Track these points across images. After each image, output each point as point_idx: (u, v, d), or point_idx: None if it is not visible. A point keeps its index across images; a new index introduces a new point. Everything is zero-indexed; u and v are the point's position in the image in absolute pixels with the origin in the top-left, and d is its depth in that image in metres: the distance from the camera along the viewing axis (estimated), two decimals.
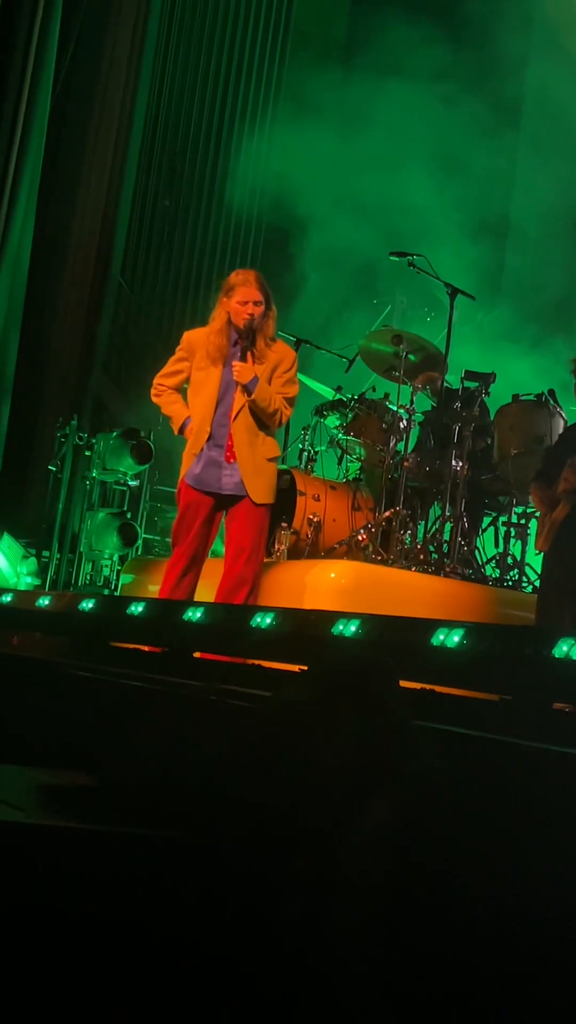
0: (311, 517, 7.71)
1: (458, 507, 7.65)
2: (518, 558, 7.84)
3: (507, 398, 7.94)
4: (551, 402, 7.68)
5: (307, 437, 8.33)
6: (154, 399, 6.39)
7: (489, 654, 3.55)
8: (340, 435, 8.15)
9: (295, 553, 7.64)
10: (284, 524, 7.62)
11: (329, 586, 6.65)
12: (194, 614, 4.67)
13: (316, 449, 8.37)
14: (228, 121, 14.15)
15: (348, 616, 3.99)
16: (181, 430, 6.22)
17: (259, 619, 4.29)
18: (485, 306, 11.12)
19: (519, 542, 7.89)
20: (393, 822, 2.99)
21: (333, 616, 4.09)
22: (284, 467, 8.30)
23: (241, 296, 6.03)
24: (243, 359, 6.03)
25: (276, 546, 7.53)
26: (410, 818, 3.00)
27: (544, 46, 13.04)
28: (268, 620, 4.29)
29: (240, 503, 6.11)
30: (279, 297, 13.19)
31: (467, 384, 7.94)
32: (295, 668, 4.18)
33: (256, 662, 4.36)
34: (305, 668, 4.01)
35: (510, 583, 7.74)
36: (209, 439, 6.07)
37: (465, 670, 3.64)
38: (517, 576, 7.79)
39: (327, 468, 8.47)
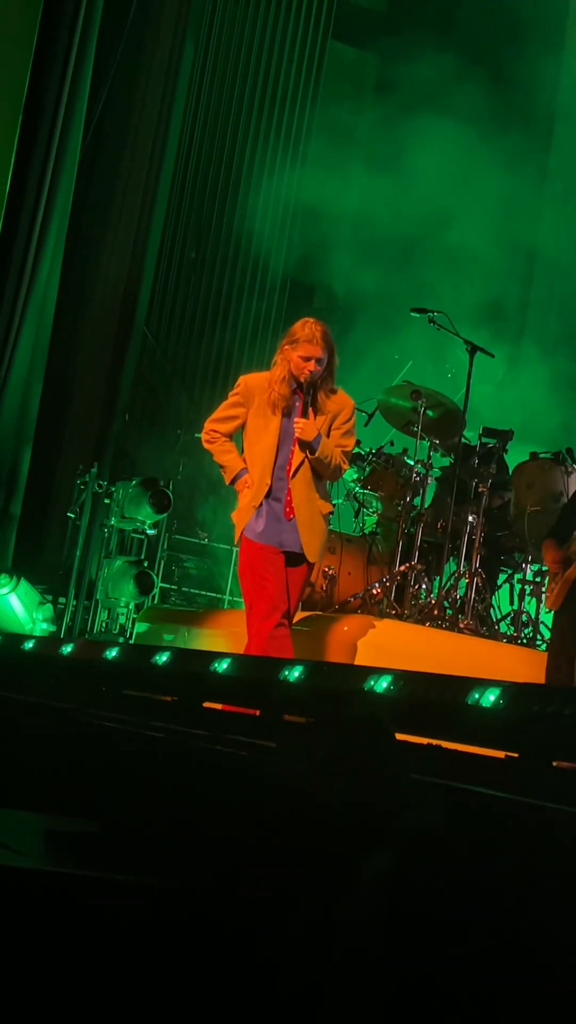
0: (326, 570, 7.73)
1: (474, 563, 7.66)
2: (533, 616, 7.84)
3: (525, 455, 7.98)
4: (569, 460, 7.71)
5: None
6: (206, 445, 6.07)
7: (494, 711, 3.55)
8: (357, 488, 8.20)
9: (309, 605, 7.65)
10: None
11: (342, 640, 6.66)
12: (220, 665, 4.63)
13: (333, 502, 8.39)
14: (257, 173, 14.30)
15: (379, 672, 3.93)
16: (234, 481, 5.95)
17: (287, 672, 4.22)
18: (508, 362, 11.16)
19: (534, 600, 7.89)
20: (391, 877, 2.99)
21: (363, 671, 4.04)
22: None
23: (304, 351, 5.76)
24: (304, 415, 5.80)
25: None
26: (408, 874, 3.00)
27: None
28: (296, 673, 4.22)
29: (295, 562, 5.87)
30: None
31: (485, 440, 7.99)
32: (302, 720, 4.19)
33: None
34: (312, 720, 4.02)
35: (525, 641, 7.74)
36: (268, 492, 5.83)
37: (470, 726, 3.65)
38: (532, 634, 7.78)
39: (344, 521, 8.49)
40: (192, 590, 10.98)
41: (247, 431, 5.96)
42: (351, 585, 7.78)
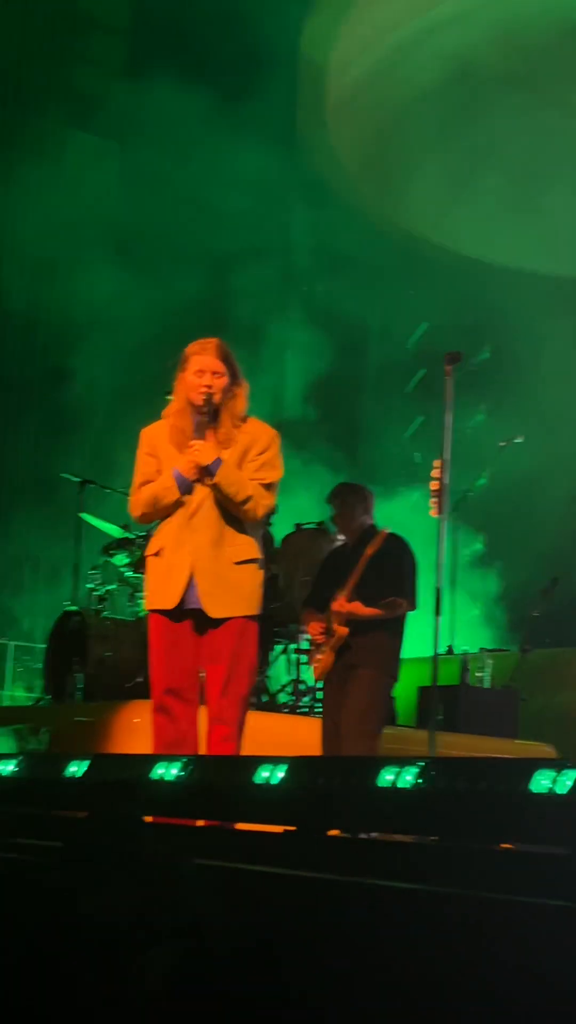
0: (104, 656, 7.70)
1: None
2: (311, 684, 7.95)
3: (291, 527, 8.14)
4: (332, 528, 7.87)
5: (97, 576, 8.36)
6: (139, 511, 5.04)
7: (274, 785, 3.59)
8: (129, 573, 8.19)
9: (93, 695, 7.61)
10: (77, 666, 7.61)
11: (130, 727, 6.59)
12: (5, 768, 4.33)
13: (107, 588, 8.36)
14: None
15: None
16: (186, 488, 4.88)
17: (74, 768, 4.04)
18: None
19: (310, 668, 8.00)
20: (174, 964, 3.00)
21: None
22: (74, 608, 8.29)
23: (196, 365, 4.87)
24: (201, 437, 4.85)
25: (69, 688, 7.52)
26: (190, 963, 3.01)
27: None
28: (82, 768, 4.02)
29: (206, 625, 4.90)
30: (62, 434, 13.35)
31: None
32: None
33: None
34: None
35: (305, 710, 7.83)
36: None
37: (245, 802, 3.70)
38: (310, 703, 7.88)
39: (120, 606, 8.48)
40: None
41: None
42: (131, 670, 7.74)
